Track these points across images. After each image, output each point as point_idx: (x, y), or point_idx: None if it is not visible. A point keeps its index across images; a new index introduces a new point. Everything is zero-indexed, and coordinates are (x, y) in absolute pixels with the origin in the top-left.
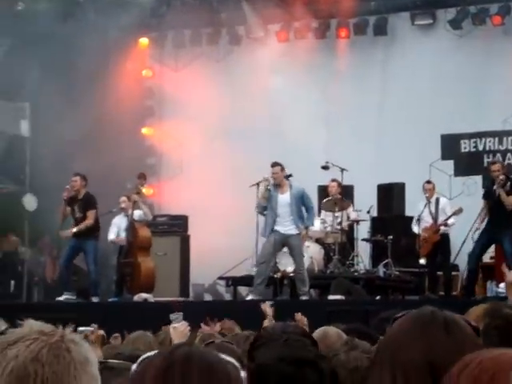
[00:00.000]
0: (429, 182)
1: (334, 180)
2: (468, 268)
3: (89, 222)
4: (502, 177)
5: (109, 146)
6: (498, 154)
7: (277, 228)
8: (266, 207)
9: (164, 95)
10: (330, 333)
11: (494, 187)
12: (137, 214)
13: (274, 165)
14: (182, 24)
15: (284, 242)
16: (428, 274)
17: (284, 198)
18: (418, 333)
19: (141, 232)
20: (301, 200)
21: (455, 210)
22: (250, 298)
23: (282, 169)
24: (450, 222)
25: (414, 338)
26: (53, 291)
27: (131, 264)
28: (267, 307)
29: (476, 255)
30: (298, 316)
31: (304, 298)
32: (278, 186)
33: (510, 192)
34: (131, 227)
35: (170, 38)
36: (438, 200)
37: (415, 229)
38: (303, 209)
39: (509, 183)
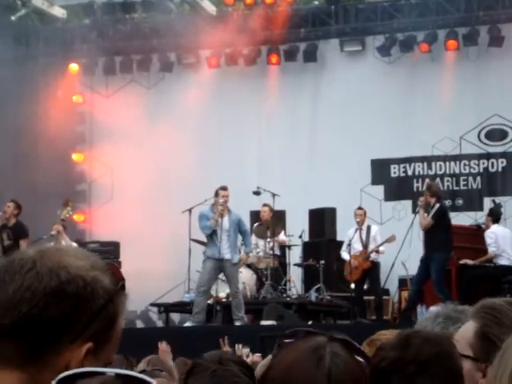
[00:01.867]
0: (360, 208)
1: (265, 205)
2: (411, 293)
3: None
4: (421, 198)
5: (39, 171)
6: (427, 179)
7: (213, 254)
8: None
9: (95, 121)
10: None
11: (417, 210)
12: (63, 242)
13: (225, 188)
14: (113, 50)
15: (220, 267)
16: (356, 299)
17: (223, 223)
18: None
19: None
20: (238, 226)
21: (388, 237)
22: (187, 324)
23: None
24: (381, 249)
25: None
26: None
27: None
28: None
29: (416, 281)
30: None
31: (238, 323)
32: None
33: (435, 216)
34: None
35: (100, 64)
36: (369, 228)
37: (344, 255)
38: (239, 235)
39: (436, 207)
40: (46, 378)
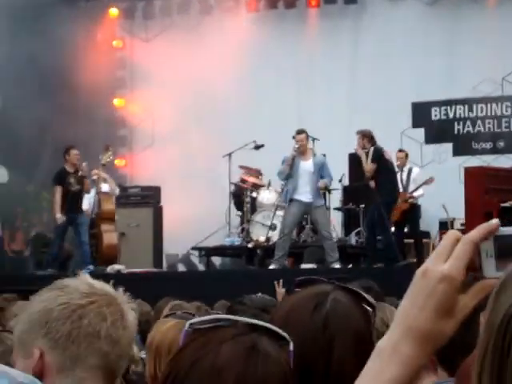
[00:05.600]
0: (401, 150)
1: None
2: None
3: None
4: (355, 148)
5: (81, 117)
6: (468, 122)
7: (297, 197)
8: (289, 174)
9: (135, 66)
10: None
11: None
12: (105, 186)
13: (300, 132)
14: None
15: (306, 211)
16: (396, 242)
17: (306, 166)
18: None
19: (104, 204)
20: (321, 169)
21: (426, 179)
22: (272, 267)
23: (307, 136)
24: (416, 194)
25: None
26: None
27: (96, 235)
28: (279, 288)
29: (368, 234)
30: (279, 289)
31: (335, 264)
32: (300, 153)
33: (373, 159)
34: (98, 199)
35: (139, 9)
36: (410, 170)
37: None
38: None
39: (371, 150)
40: None
